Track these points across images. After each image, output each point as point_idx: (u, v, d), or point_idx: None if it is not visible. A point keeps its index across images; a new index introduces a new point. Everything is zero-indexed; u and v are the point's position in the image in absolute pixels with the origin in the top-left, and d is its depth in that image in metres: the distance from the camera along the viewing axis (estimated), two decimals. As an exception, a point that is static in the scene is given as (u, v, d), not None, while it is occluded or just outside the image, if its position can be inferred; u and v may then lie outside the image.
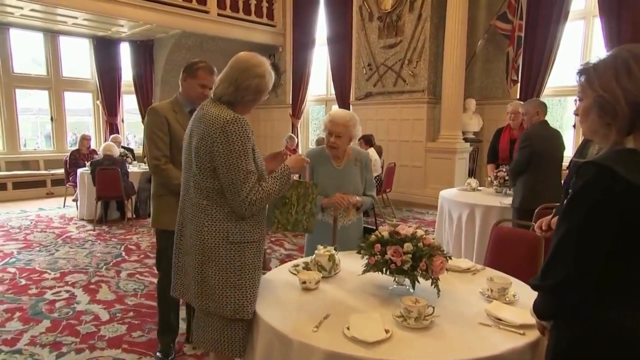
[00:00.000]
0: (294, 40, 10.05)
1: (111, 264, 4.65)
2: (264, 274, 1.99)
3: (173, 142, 2.50)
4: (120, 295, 3.78)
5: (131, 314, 3.42)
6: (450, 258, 1.87)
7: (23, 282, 4.12)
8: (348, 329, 1.48)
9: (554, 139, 3.64)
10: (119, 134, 9.22)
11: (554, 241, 1.14)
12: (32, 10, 7.55)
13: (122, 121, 10.27)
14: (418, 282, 1.75)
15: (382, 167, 6.89)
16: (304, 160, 1.99)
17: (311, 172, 2.59)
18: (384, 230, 1.83)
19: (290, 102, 10.31)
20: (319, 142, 7.26)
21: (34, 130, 10.07)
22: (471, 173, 7.64)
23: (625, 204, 1.05)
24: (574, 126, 6.89)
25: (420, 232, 1.81)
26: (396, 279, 1.85)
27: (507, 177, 4.13)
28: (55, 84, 9.40)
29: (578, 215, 1.10)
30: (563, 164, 3.72)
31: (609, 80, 1.10)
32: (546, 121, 3.64)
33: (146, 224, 6.38)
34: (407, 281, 1.80)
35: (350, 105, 8.80)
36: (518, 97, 6.88)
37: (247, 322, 1.77)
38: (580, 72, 1.19)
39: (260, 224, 1.84)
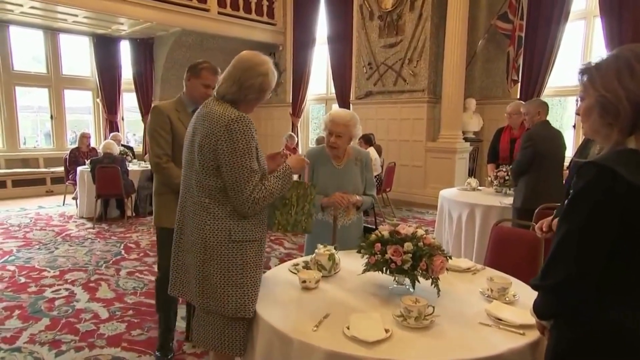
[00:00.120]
0: (294, 39, 10.05)
1: (111, 262, 4.65)
2: (264, 272, 1.99)
3: (175, 141, 2.52)
4: (119, 294, 3.78)
5: (130, 312, 3.42)
6: (450, 258, 1.87)
7: (22, 280, 4.12)
8: (348, 328, 1.47)
9: (556, 139, 3.63)
10: (118, 132, 9.22)
11: (555, 241, 1.14)
12: (32, 7, 7.55)
13: (122, 119, 10.27)
14: (418, 281, 1.74)
15: (382, 167, 6.89)
16: (305, 161, 2.00)
17: (311, 171, 2.59)
18: (384, 230, 1.83)
19: (291, 101, 10.30)
20: (319, 141, 7.25)
21: (33, 128, 10.08)
22: (471, 173, 7.64)
23: (626, 205, 1.05)
24: (574, 126, 6.89)
25: (420, 232, 1.80)
26: (396, 278, 1.85)
27: (507, 177, 4.13)
28: (55, 81, 9.40)
29: (579, 215, 1.10)
30: (564, 163, 3.72)
31: (611, 80, 1.10)
32: (548, 121, 3.64)
33: (146, 222, 6.39)
34: (407, 281, 1.80)
35: (351, 105, 8.79)
36: (518, 97, 6.88)
37: (248, 321, 1.77)
38: (582, 72, 1.18)
39: (262, 223, 1.84)
